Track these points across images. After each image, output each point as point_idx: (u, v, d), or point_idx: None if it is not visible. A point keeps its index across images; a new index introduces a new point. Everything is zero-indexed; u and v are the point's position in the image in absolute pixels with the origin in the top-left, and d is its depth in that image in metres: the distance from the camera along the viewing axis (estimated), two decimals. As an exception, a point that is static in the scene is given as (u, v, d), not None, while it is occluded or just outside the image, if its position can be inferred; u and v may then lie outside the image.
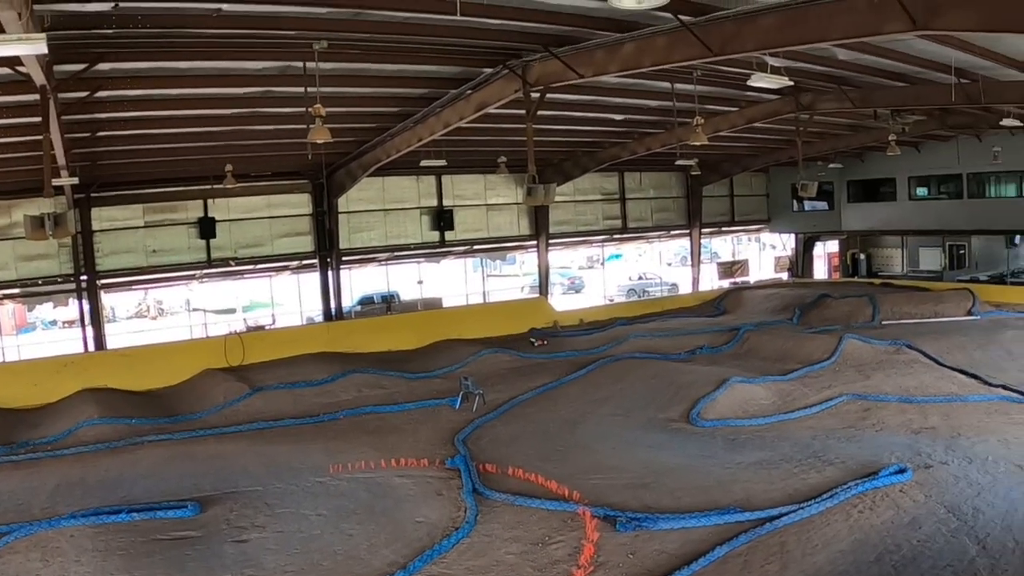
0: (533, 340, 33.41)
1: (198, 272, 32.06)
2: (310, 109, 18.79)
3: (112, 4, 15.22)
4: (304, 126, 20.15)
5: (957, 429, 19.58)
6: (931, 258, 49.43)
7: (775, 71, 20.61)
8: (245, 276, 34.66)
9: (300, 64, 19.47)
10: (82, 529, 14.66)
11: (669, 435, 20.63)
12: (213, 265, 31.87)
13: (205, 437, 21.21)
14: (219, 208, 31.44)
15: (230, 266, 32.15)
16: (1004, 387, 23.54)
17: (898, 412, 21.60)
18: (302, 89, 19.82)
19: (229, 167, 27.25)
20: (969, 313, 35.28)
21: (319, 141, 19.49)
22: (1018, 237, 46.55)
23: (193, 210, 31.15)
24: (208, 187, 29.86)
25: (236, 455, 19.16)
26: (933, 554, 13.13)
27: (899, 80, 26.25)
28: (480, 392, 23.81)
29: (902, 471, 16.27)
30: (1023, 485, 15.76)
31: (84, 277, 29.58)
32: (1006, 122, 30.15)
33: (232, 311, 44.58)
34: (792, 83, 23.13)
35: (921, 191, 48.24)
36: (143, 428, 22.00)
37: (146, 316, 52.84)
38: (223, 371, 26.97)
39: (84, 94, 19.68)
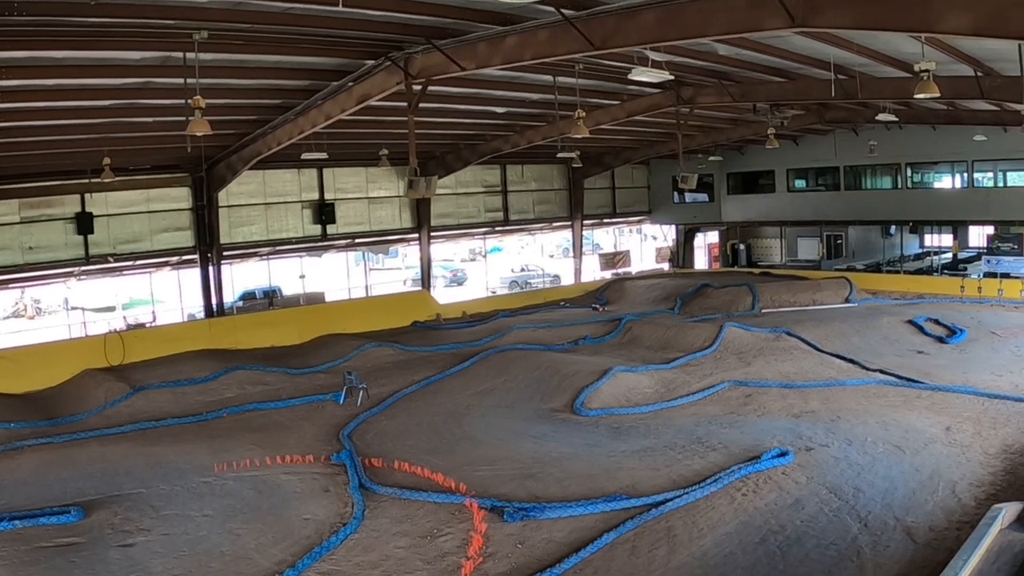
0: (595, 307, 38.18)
1: (76, 269, 31.09)
2: (190, 101, 18.39)
3: (-16, -8, 14.79)
4: (184, 118, 19.71)
5: (837, 412, 20.24)
6: (809, 248, 50.72)
7: (656, 65, 20.89)
8: (125, 273, 33.80)
9: (180, 55, 19.03)
10: (-40, 539, 14.24)
11: (554, 425, 20.86)
12: (92, 261, 30.89)
13: (87, 439, 20.69)
14: (97, 203, 30.57)
15: (109, 262, 31.32)
16: (881, 371, 24.47)
17: (779, 397, 22.22)
18: (182, 80, 19.40)
19: (107, 160, 26.45)
20: (847, 301, 36.36)
21: (199, 134, 19.11)
22: (893, 227, 48.03)
23: (70, 205, 30.13)
24: (86, 181, 28.95)
25: (119, 457, 18.72)
26: (817, 533, 13.57)
27: (779, 75, 26.87)
28: (364, 386, 23.78)
29: (784, 454, 16.77)
30: (902, 464, 16.38)
31: (-43, 276, 28.59)
32: (882, 117, 31.06)
33: (112, 309, 43.50)
34: (673, 77, 23.58)
35: (799, 183, 49.49)
36: (22, 432, 21.33)
37: (23, 316, 51.29)
38: (104, 371, 26.30)
39: (-45, 84, 19.08)
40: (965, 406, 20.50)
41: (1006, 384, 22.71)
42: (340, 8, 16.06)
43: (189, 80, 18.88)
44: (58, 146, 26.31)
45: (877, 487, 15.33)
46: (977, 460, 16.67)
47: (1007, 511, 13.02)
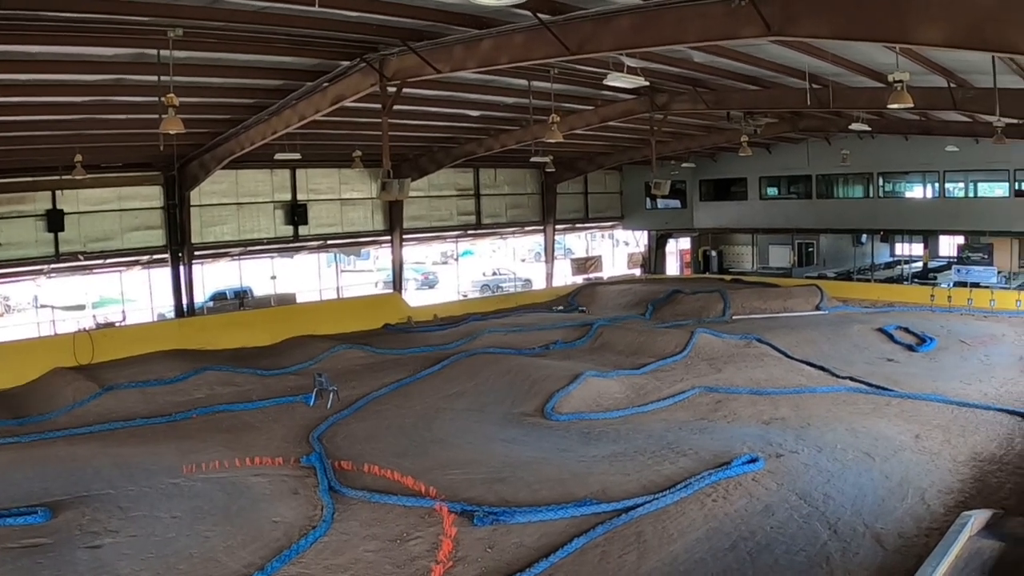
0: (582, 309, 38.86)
1: (46, 267, 30.79)
2: (163, 98, 18.24)
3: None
4: (157, 116, 19.59)
5: (807, 419, 20.37)
6: (781, 255, 50.91)
7: (631, 71, 20.92)
8: (95, 271, 33.54)
9: (154, 52, 18.83)
10: (-76, 539, 14.07)
11: (525, 429, 20.89)
12: (62, 259, 30.60)
13: (55, 439, 20.54)
14: (68, 200, 30.28)
15: (79, 260, 31.06)
16: (851, 378, 24.65)
17: (749, 404, 22.30)
18: (155, 78, 19.21)
19: (79, 157, 26.19)
20: (817, 308, 36.62)
21: (171, 132, 18.96)
22: (864, 236, 48.28)
23: (41, 201, 29.82)
24: (57, 178, 28.66)
25: (87, 457, 18.56)
26: (787, 539, 13.64)
27: (753, 83, 26.98)
28: (334, 389, 23.73)
29: (754, 460, 16.85)
30: (871, 471, 16.50)
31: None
32: (855, 126, 31.24)
33: (81, 307, 43.11)
34: (647, 83, 23.57)
35: (772, 191, 49.73)
36: (-11, 430, 21.16)
37: (-8, 313, 50.85)
38: (72, 370, 26.03)
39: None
40: (934, 414, 20.70)
41: (975, 392, 22.93)
42: (315, 8, 15.98)
43: (163, 78, 18.71)
44: (30, 142, 26.07)
45: (847, 494, 15.44)
46: (946, 467, 16.82)
47: (976, 518, 13.13)
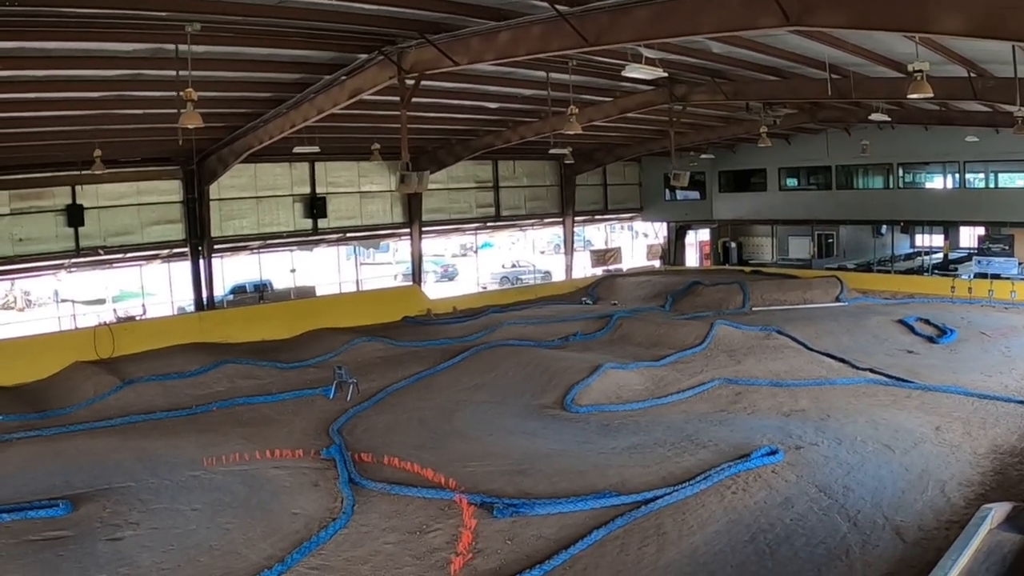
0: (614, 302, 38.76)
1: (67, 261, 30.86)
2: (181, 93, 18.20)
3: (-26, -19, 14.68)
4: (175, 111, 19.53)
5: (826, 411, 20.30)
6: (800, 247, 50.73)
7: (649, 62, 20.83)
8: (115, 265, 33.64)
9: (172, 47, 18.82)
10: (-52, 532, 14.16)
11: (544, 422, 20.88)
12: (82, 254, 30.66)
13: (76, 433, 20.58)
14: (88, 195, 30.35)
15: (99, 255, 31.17)
16: (871, 370, 24.55)
17: (769, 396, 22.26)
18: (173, 72, 19.18)
19: (98, 152, 26.26)
20: (837, 300, 36.48)
21: (190, 126, 18.87)
22: (884, 227, 48.08)
23: (61, 197, 29.91)
24: (76, 173, 28.77)
25: (108, 451, 18.66)
26: (806, 532, 13.60)
27: (772, 74, 26.84)
28: (354, 381, 23.77)
29: (774, 452, 16.80)
30: (891, 464, 16.43)
31: (-53, 268, 28.42)
32: (875, 117, 31.10)
33: (102, 302, 43.23)
34: (666, 74, 23.50)
35: (791, 182, 49.49)
36: (10, 425, 21.28)
37: (12, 308, 51.06)
38: (93, 364, 26.21)
39: (-56, 75, 18.94)
40: (955, 406, 20.59)
41: (995, 384, 22.81)
42: (333, 1, 16.01)
43: (181, 72, 18.71)
44: (49, 137, 26.16)
45: (866, 486, 15.38)
46: (966, 460, 16.74)
47: (996, 511, 13.05)
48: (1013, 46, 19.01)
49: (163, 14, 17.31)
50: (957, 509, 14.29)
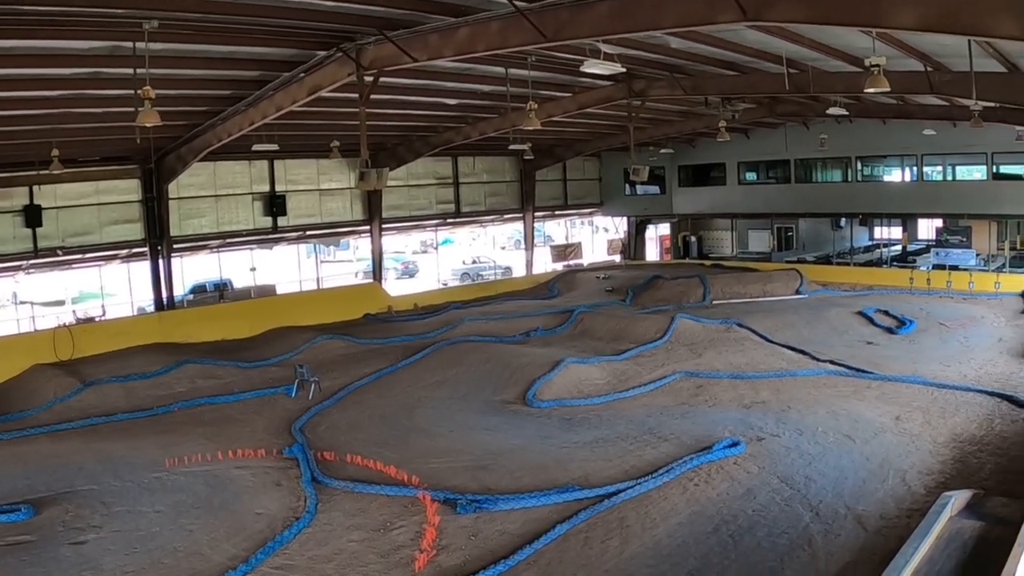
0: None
1: (25, 262, 30.54)
2: (139, 91, 18.07)
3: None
4: (133, 109, 19.37)
5: (787, 403, 20.47)
6: (760, 240, 50.96)
7: (608, 58, 20.87)
8: (74, 266, 33.40)
9: (129, 44, 18.65)
10: (-93, 538, 13.98)
11: (506, 417, 20.95)
12: (40, 255, 30.35)
13: (37, 436, 20.44)
14: (46, 195, 30.02)
15: (58, 255, 30.84)
16: (831, 362, 24.79)
17: (730, 388, 22.42)
18: (131, 70, 19.00)
19: (56, 152, 26.01)
20: (797, 292, 36.68)
21: (148, 125, 18.67)
22: (843, 220, 48.50)
23: (18, 197, 29.55)
24: (34, 173, 28.45)
25: (70, 453, 18.50)
26: (768, 523, 13.72)
27: (731, 69, 27.02)
28: (316, 379, 23.70)
29: (735, 444, 16.94)
30: (852, 454, 16.61)
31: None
32: (832, 111, 31.27)
33: (61, 303, 42.89)
34: (625, 70, 23.54)
35: (750, 176, 49.77)
36: (-31, 429, 21.05)
37: (-30, 310, 50.52)
38: (53, 366, 25.83)
39: None
40: (914, 396, 20.84)
41: (954, 374, 23.12)
42: (291, -2, 15.94)
43: (139, 70, 18.54)
44: (5, 137, 25.79)
45: (828, 476, 15.53)
46: (926, 449, 16.94)
47: (956, 499, 13.19)
48: (968, 40, 19.16)
49: (121, 11, 17.15)
50: (918, 497, 14.45)
